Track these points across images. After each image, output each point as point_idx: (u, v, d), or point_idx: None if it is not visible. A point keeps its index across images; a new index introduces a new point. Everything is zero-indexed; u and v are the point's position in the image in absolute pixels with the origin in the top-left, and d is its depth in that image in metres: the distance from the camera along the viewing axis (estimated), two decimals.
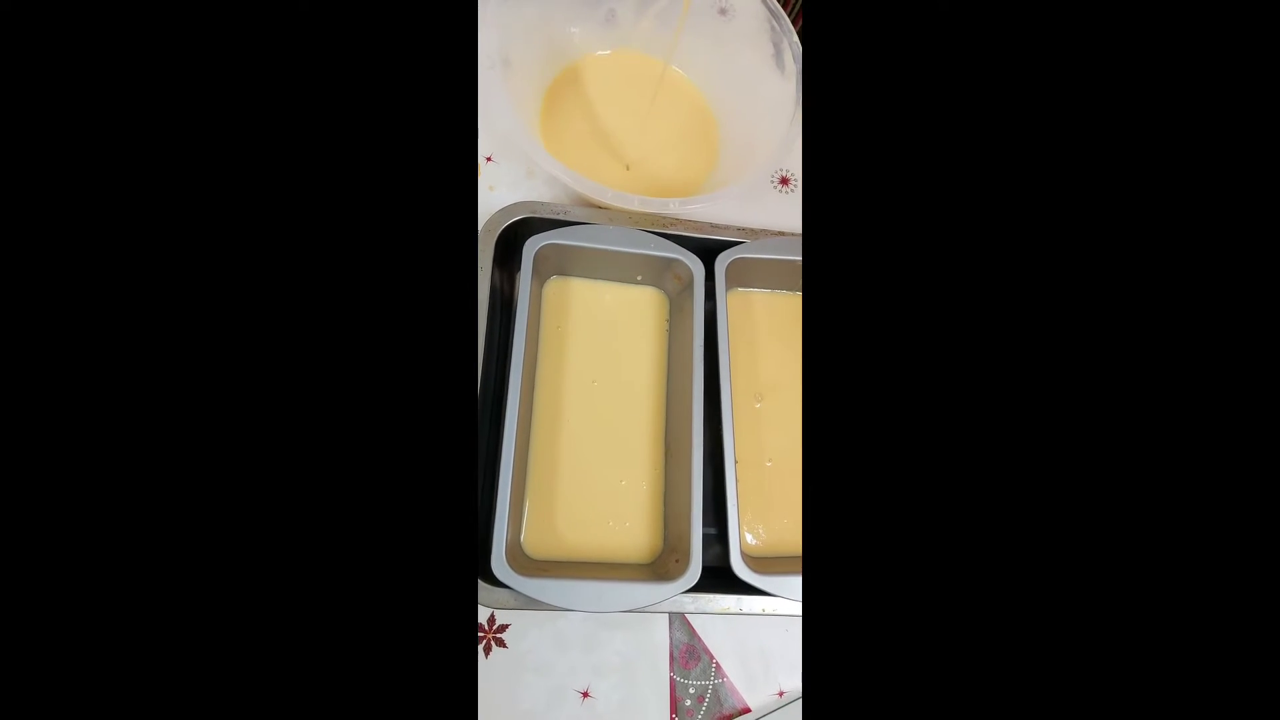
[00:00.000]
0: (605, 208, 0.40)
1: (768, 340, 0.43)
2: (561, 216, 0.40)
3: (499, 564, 0.32)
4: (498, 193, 0.44)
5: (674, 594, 0.33)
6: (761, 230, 0.42)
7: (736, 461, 0.36)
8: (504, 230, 0.39)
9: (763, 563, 0.35)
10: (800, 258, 0.42)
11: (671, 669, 0.38)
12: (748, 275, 0.43)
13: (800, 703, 0.39)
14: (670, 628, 0.39)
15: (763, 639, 0.39)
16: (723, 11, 0.47)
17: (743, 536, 0.36)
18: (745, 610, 0.35)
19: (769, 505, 0.39)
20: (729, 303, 0.40)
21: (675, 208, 0.38)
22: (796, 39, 0.42)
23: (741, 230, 0.42)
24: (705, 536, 0.35)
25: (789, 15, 0.76)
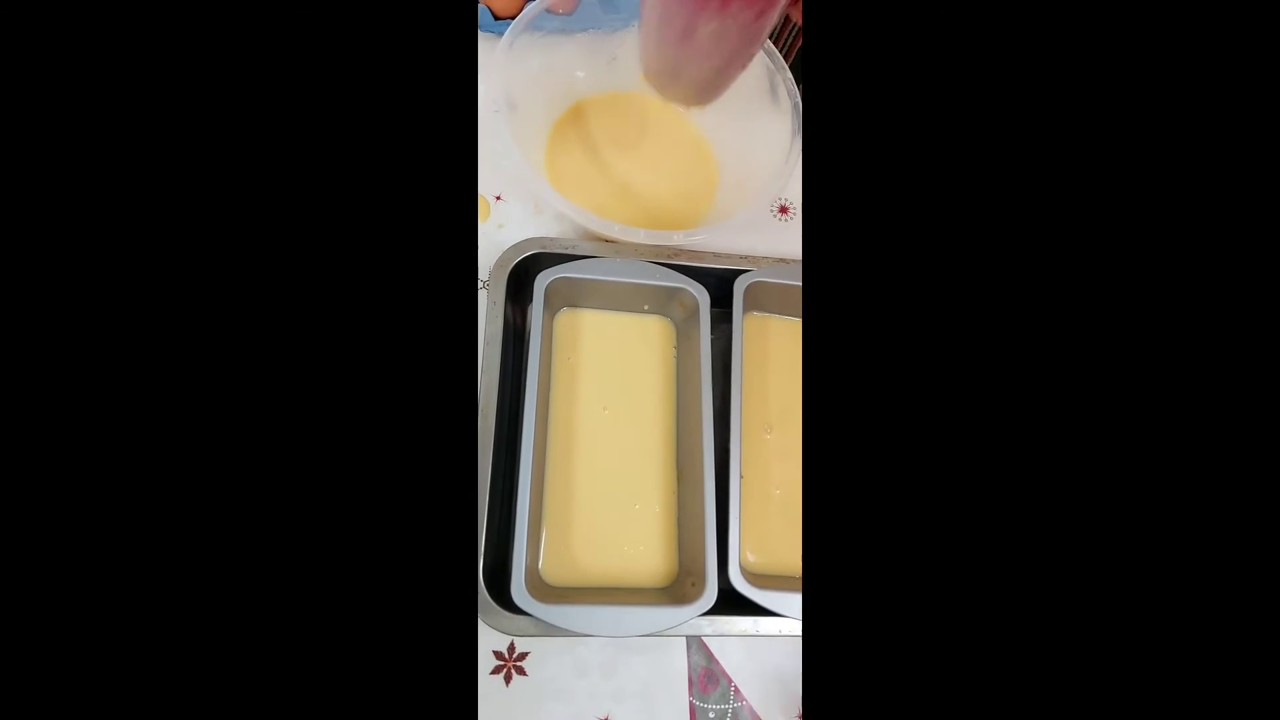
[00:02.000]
0: (612, 241, 0.42)
1: (780, 365, 0.44)
2: (570, 251, 0.41)
3: (519, 591, 0.32)
4: (507, 230, 0.46)
5: (691, 617, 0.34)
6: (763, 258, 0.43)
7: (743, 477, 0.37)
8: (515, 266, 0.40)
9: (765, 580, 0.36)
10: None
11: (690, 693, 0.38)
12: (764, 300, 0.44)
13: None
14: (688, 652, 0.39)
15: (781, 661, 0.40)
16: None
17: (744, 554, 0.36)
18: (761, 631, 0.35)
19: (774, 531, 0.40)
20: (745, 327, 0.41)
21: (680, 239, 0.39)
22: (790, 75, 0.44)
23: (744, 258, 0.43)
24: (720, 559, 0.35)
25: (780, 52, 0.79)
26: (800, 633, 0.35)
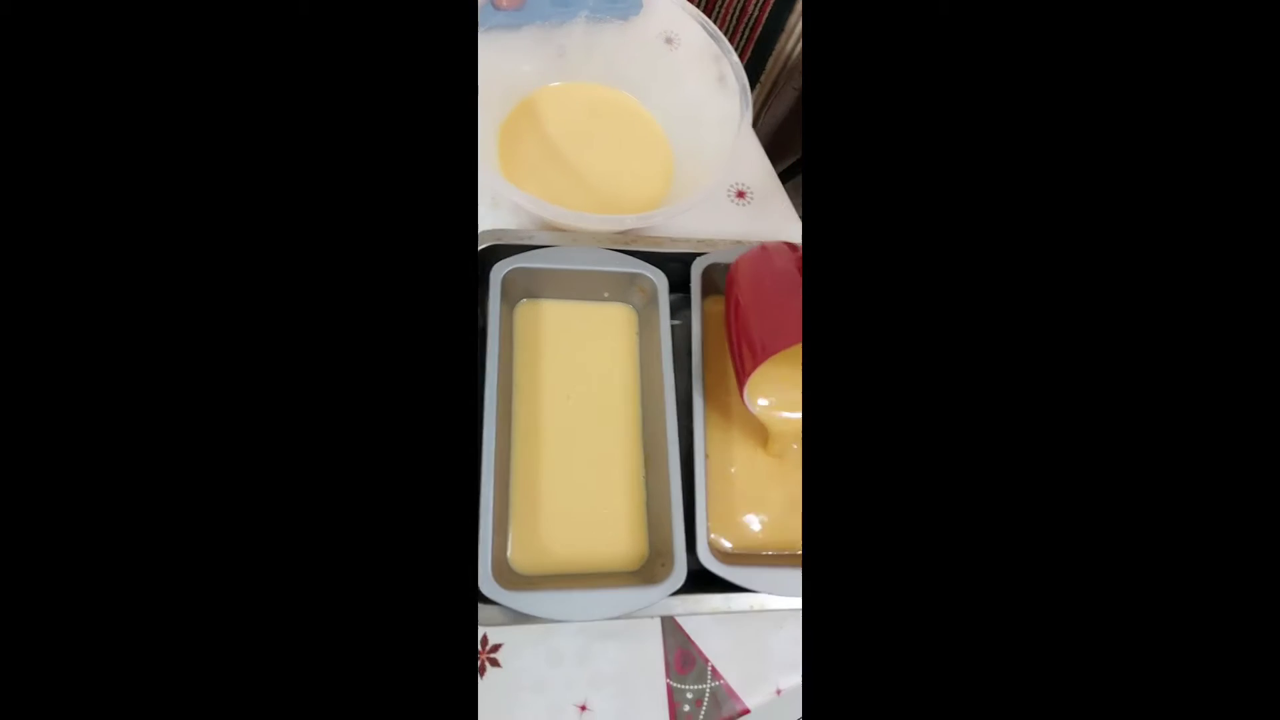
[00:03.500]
0: (568, 229, 0.42)
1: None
2: (526, 241, 0.41)
3: (486, 581, 0.32)
4: None
5: (662, 596, 0.34)
6: (720, 240, 0.44)
7: (708, 457, 0.37)
8: None
9: (734, 557, 0.36)
10: None
11: (668, 675, 0.38)
12: (722, 283, 0.44)
13: (798, 695, 0.39)
14: (664, 635, 0.39)
15: (757, 639, 0.40)
16: (669, 41, 0.50)
17: (712, 533, 0.36)
18: (733, 608, 0.36)
19: (737, 509, 0.40)
20: (705, 309, 0.42)
21: (632, 222, 0.39)
22: (736, 59, 0.44)
23: (700, 242, 0.43)
24: (688, 539, 0.36)
25: (739, 43, 0.79)
26: (772, 608, 0.36)
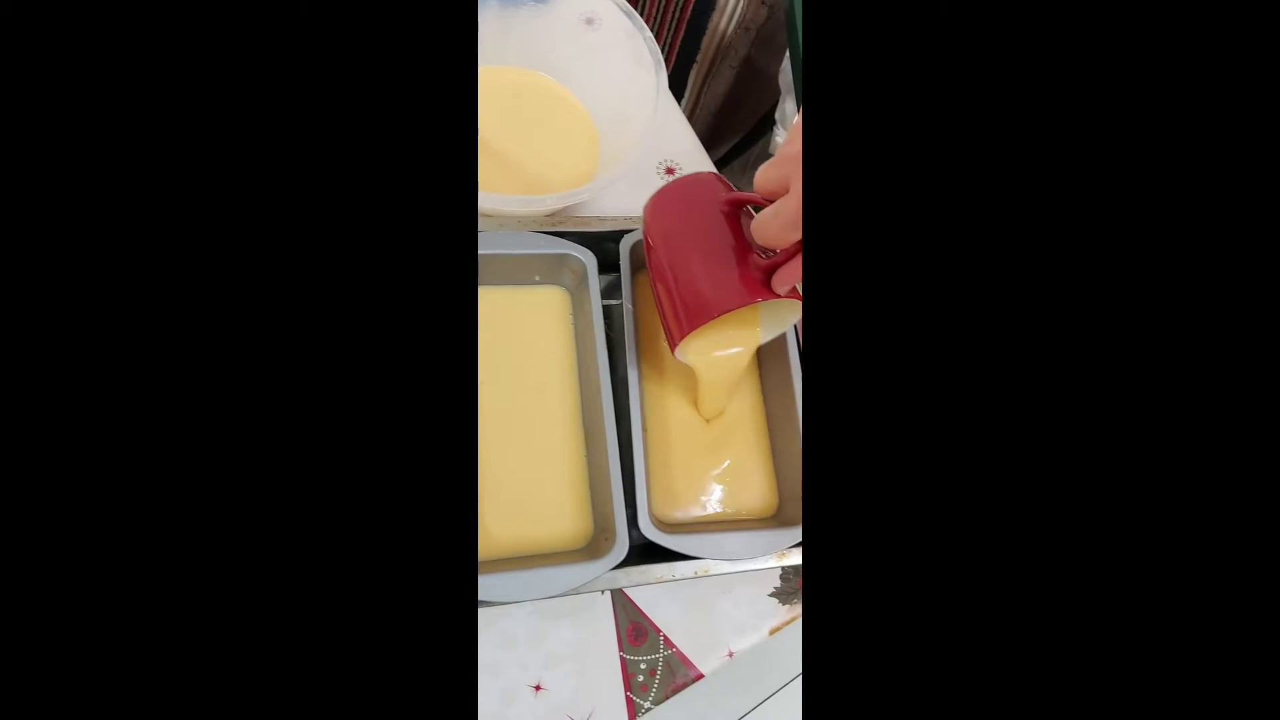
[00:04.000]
0: (493, 214, 0.42)
1: None
2: None
3: None
4: None
5: (605, 570, 0.34)
6: None
7: (646, 430, 0.37)
8: None
9: (675, 526, 0.36)
10: None
11: (620, 649, 0.39)
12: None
13: (750, 657, 0.40)
14: (615, 609, 0.40)
15: (706, 606, 0.41)
16: (589, 21, 0.50)
17: (652, 504, 0.37)
18: (679, 576, 0.36)
19: (678, 480, 0.40)
20: (636, 286, 0.42)
21: (554, 203, 0.39)
22: (650, 34, 0.44)
23: (630, 219, 0.43)
24: (629, 515, 0.36)
25: (671, 22, 0.79)
26: (715, 574, 0.36)
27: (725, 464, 0.41)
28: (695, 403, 0.42)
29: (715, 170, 0.53)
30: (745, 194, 0.33)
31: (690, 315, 0.33)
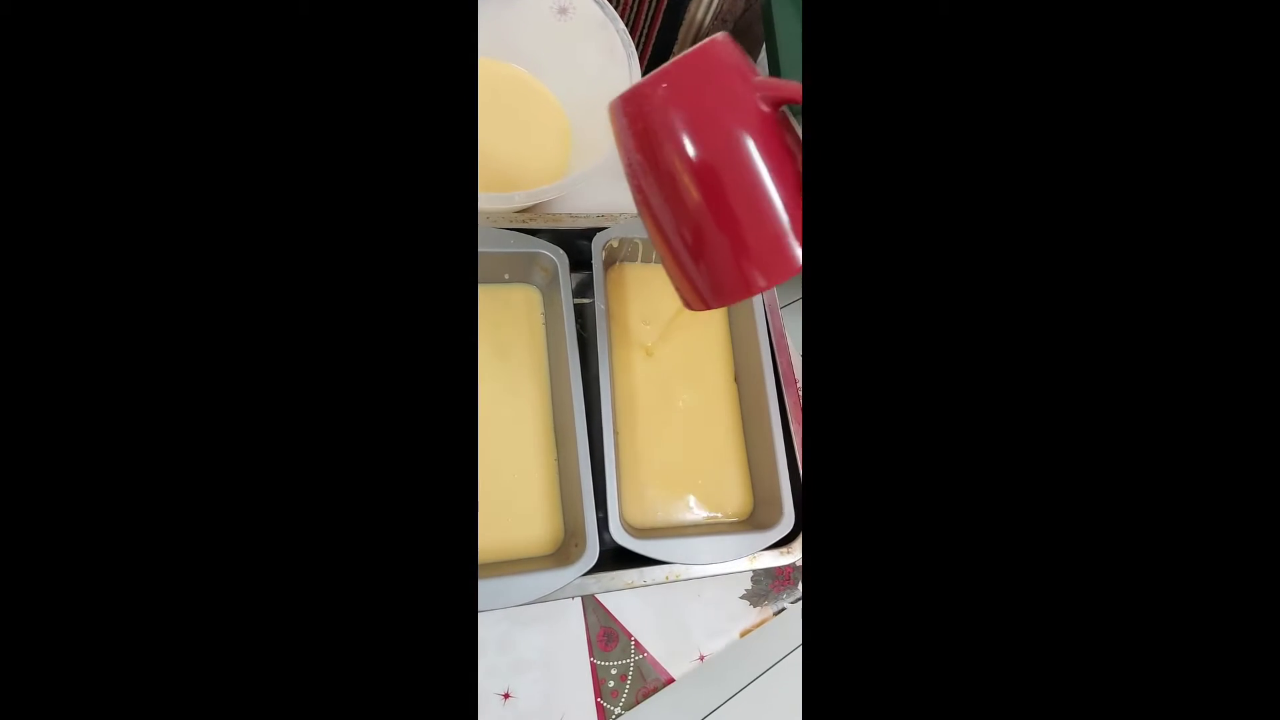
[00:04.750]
0: None
1: (643, 314, 0.44)
2: None
3: None
4: None
5: (574, 577, 0.34)
6: (621, 215, 0.43)
7: (617, 433, 0.37)
8: None
9: (646, 531, 0.36)
10: None
11: (591, 654, 0.38)
12: (622, 256, 0.44)
13: (721, 660, 0.40)
14: (585, 613, 0.39)
15: (678, 610, 0.40)
16: (562, 11, 0.48)
17: (623, 507, 0.36)
18: (649, 580, 0.36)
19: (648, 484, 0.40)
20: (607, 283, 0.41)
21: (522, 200, 0.38)
22: (623, 25, 0.43)
23: (601, 216, 0.43)
24: (600, 519, 0.35)
25: (648, 13, 0.78)
26: (687, 578, 0.36)
27: (698, 467, 0.41)
28: (653, 345, 0.40)
29: None
30: (782, 84, 0.23)
31: (767, 266, 0.24)
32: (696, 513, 0.40)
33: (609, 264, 0.42)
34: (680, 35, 0.78)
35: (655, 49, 0.81)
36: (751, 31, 0.74)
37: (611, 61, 0.44)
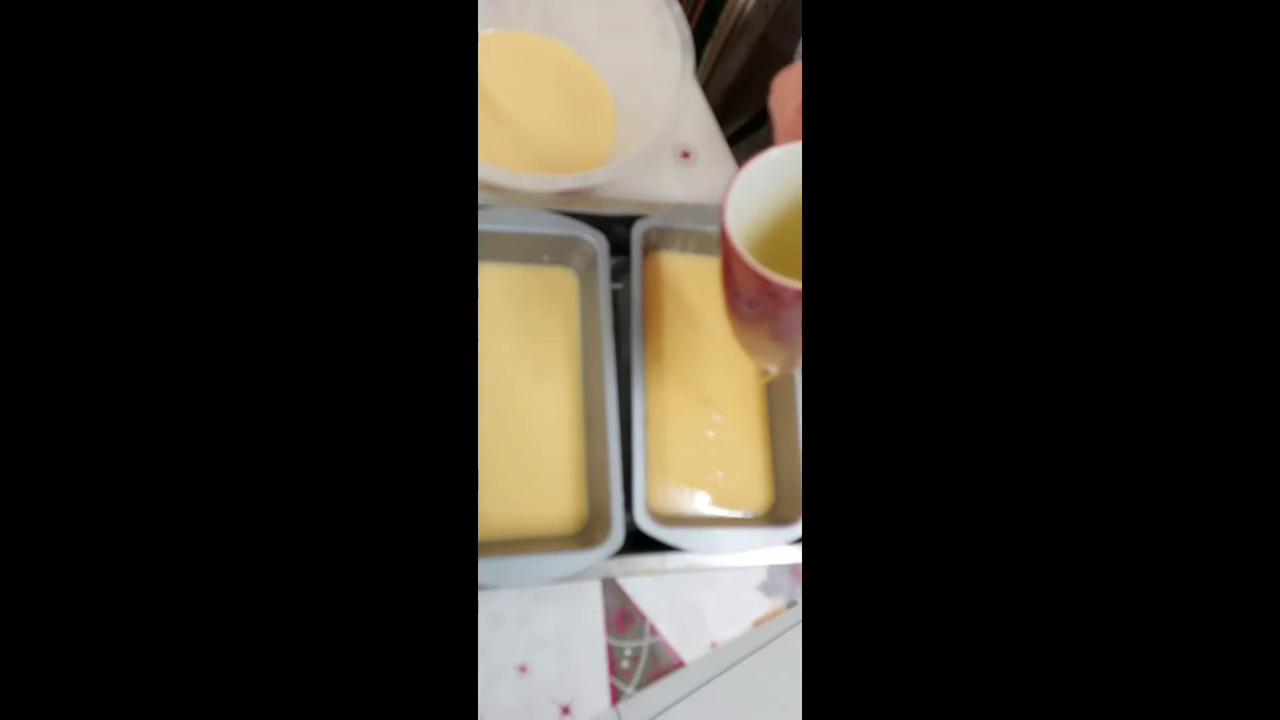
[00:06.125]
0: (503, 190, 0.41)
1: (679, 306, 0.44)
2: None
3: None
4: None
5: (598, 560, 0.34)
6: (661, 203, 0.43)
7: (647, 420, 0.37)
8: None
9: (671, 519, 0.37)
10: (716, 228, 0.43)
11: (607, 634, 0.39)
12: (662, 245, 0.44)
13: (733, 648, 0.41)
14: (603, 594, 0.40)
15: (693, 596, 0.41)
16: None
17: (651, 496, 0.37)
18: (670, 568, 0.36)
19: (674, 473, 0.40)
20: (645, 272, 0.41)
21: (569, 184, 0.38)
22: (680, 10, 0.43)
23: (642, 204, 0.43)
24: (626, 502, 0.36)
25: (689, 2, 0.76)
26: (708, 568, 0.37)
27: (722, 459, 0.41)
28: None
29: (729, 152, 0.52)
30: None
31: None
32: (718, 504, 0.41)
33: (647, 252, 0.42)
34: (721, 19, 0.77)
35: (695, 32, 0.80)
36: (792, 20, 0.73)
37: (665, 48, 0.44)
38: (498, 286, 0.42)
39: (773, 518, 0.41)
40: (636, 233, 0.41)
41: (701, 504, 0.40)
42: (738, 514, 0.41)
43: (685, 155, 0.50)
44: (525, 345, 0.41)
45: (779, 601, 0.43)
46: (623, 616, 0.40)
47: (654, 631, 0.40)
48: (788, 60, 0.69)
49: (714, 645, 0.41)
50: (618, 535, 0.35)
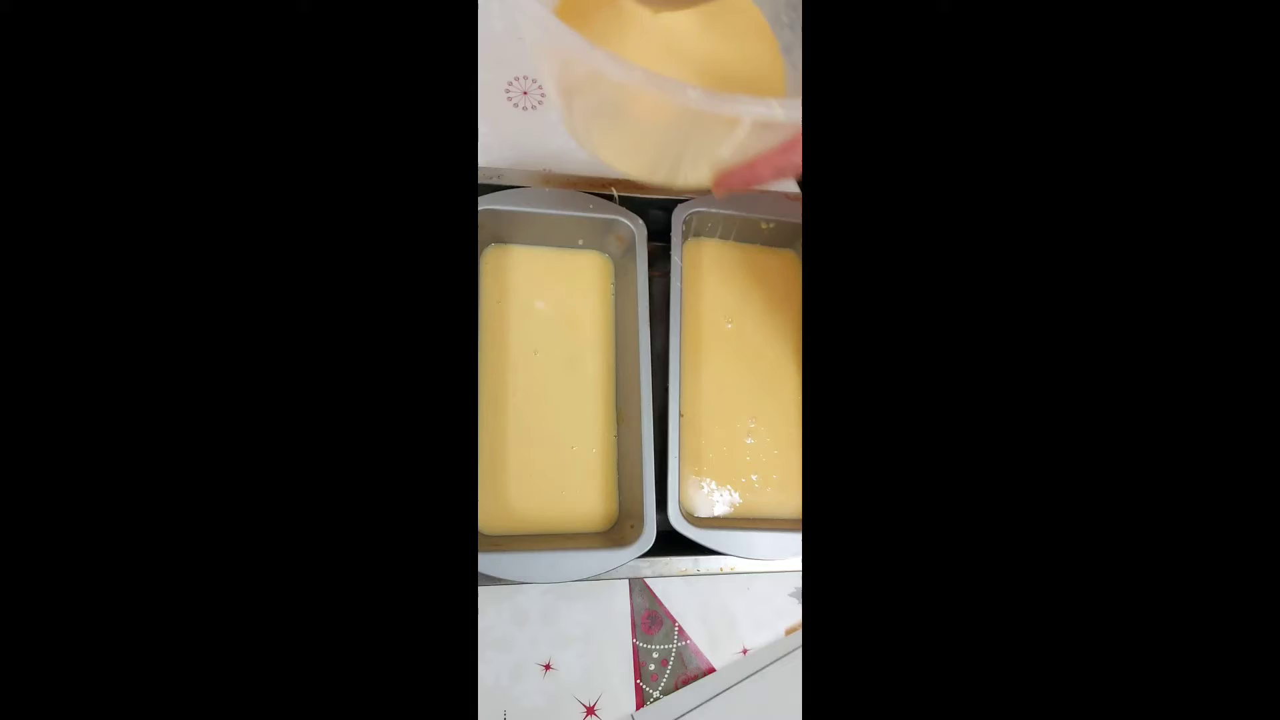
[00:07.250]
0: (542, 172, 0.39)
1: (719, 295, 0.42)
2: (495, 181, 0.38)
3: None
4: None
5: (629, 559, 0.33)
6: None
7: (682, 416, 0.35)
8: None
9: (705, 520, 0.35)
10: (761, 215, 0.41)
11: (634, 635, 0.38)
12: (703, 231, 0.42)
13: (760, 656, 0.39)
14: (631, 594, 0.38)
15: (724, 599, 0.39)
16: None
17: (684, 495, 0.35)
18: (702, 570, 0.35)
19: (710, 472, 0.39)
20: (685, 258, 0.39)
21: (748, 108, 0.22)
22: None
23: (682, 188, 0.40)
24: (659, 500, 0.34)
25: None
26: (741, 570, 0.35)
27: (761, 461, 0.39)
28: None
29: None
30: None
31: None
32: (752, 508, 0.39)
33: (687, 238, 0.40)
34: None
35: None
36: None
37: None
38: (528, 271, 0.40)
39: None
40: (677, 217, 0.39)
41: (735, 506, 0.38)
42: (774, 517, 0.39)
43: None
44: (557, 332, 0.39)
45: None
46: (651, 618, 0.38)
47: (683, 635, 0.38)
48: None
49: (744, 652, 0.39)
50: (650, 535, 0.33)
